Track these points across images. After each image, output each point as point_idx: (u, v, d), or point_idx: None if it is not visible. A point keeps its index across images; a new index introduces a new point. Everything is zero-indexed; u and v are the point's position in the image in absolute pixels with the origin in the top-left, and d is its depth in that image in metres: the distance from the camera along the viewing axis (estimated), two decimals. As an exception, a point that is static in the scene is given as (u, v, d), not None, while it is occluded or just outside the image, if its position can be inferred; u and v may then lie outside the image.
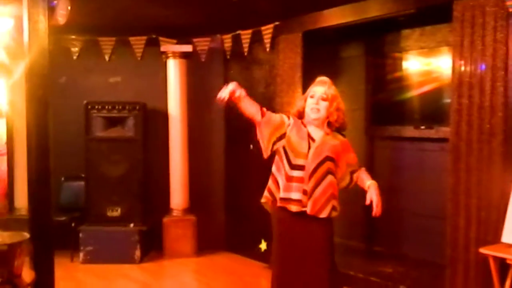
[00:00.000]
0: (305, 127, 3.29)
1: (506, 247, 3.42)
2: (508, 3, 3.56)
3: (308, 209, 3.19)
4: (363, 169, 3.39)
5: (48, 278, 3.00)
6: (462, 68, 3.89)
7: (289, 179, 3.23)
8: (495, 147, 3.67)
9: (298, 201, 3.20)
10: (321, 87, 3.29)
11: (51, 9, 2.85)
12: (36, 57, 2.82)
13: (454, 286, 3.94)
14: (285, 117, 3.32)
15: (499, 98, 3.65)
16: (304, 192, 3.19)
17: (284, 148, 3.25)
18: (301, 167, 3.21)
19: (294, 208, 3.22)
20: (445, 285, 4.05)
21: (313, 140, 3.26)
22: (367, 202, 3.22)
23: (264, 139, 3.25)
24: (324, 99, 3.24)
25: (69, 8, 2.95)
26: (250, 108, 3.19)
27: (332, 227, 3.33)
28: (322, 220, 3.23)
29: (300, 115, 3.32)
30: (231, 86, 3.08)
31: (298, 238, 3.28)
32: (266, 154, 3.30)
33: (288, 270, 3.28)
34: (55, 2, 2.83)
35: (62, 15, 2.95)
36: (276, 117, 3.28)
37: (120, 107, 5.84)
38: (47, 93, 2.88)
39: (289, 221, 3.29)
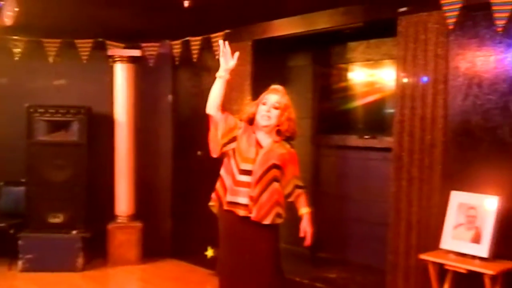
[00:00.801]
0: (254, 133, 3.34)
1: (445, 253, 3.58)
2: (449, 21, 3.74)
3: (253, 215, 3.24)
4: (304, 192, 3.48)
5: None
6: (405, 81, 4.05)
7: (236, 183, 3.28)
8: (435, 157, 3.83)
9: (245, 206, 3.25)
10: (274, 95, 3.34)
11: (-2, 10, 2.78)
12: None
13: (395, 291, 4.08)
14: (238, 121, 3.37)
15: (439, 111, 3.81)
16: (251, 198, 3.23)
17: (233, 151, 3.29)
18: (248, 172, 3.26)
19: (241, 212, 3.27)
20: (386, 290, 4.18)
21: (261, 146, 3.31)
22: (301, 234, 3.41)
23: (217, 137, 3.30)
24: (276, 108, 3.31)
25: (16, 9, 2.87)
26: (220, 94, 3.26)
27: (277, 233, 3.41)
28: (267, 226, 3.28)
29: (250, 121, 3.37)
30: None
31: (243, 242, 3.32)
32: (216, 153, 3.34)
33: (233, 274, 3.32)
34: (2, 3, 2.75)
35: (9, 16, 2.87)
36: (231, 119, 3.34)
37: (65, 110, 5.69)
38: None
39: (235, 225, 3.34)
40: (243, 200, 3.26)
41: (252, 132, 3.34)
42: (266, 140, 3.34)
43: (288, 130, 3.35)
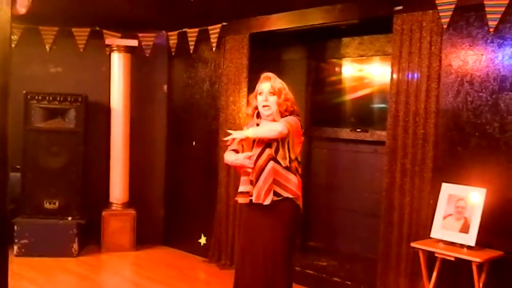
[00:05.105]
0: (256, 123, 3.45)
1: (435, 242, 3.76)
2: (443, 20, 3.90)
3: (253, 198, 3.29)
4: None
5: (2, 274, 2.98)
6: (399, 77, 4.20)
7: (243, 173, 3.41)
8: (427, 151, 4.00)
9: (246, 193, 3.34)
10: (266, 83, 3.41)
11: (14, -1, 2.83)
12: (-2, 46, 2.79)
13: (385, 278, 4.25)
14: None
15: (432, 106, 3.98)
16: (251, 183, 3.32)
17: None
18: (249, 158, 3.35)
19: (240, 200, 3.37)
20: (376, 277, 4.35)
21: None
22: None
23: None
24: (272, 93, 3.39)
25: (32, -2, 2.93)
26: None
27: (288, 215, 3.32)
28: (274, 209, 3.26)
29: (258, 115, 3.48)
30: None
31: (252, 229, 3.37)
32: None
33: (245, 261, 3.41)
34: (19, -9, 2.81)
35: (23, 5, 2.93)
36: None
37: (61, 98, 5.73)
38: (8, 82, 2.86)
39: (244, 213, 3.47)
40: (245, 188, 3.38)
41: (255, 123, 3.45)
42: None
43: (287, 109, 3.38)
